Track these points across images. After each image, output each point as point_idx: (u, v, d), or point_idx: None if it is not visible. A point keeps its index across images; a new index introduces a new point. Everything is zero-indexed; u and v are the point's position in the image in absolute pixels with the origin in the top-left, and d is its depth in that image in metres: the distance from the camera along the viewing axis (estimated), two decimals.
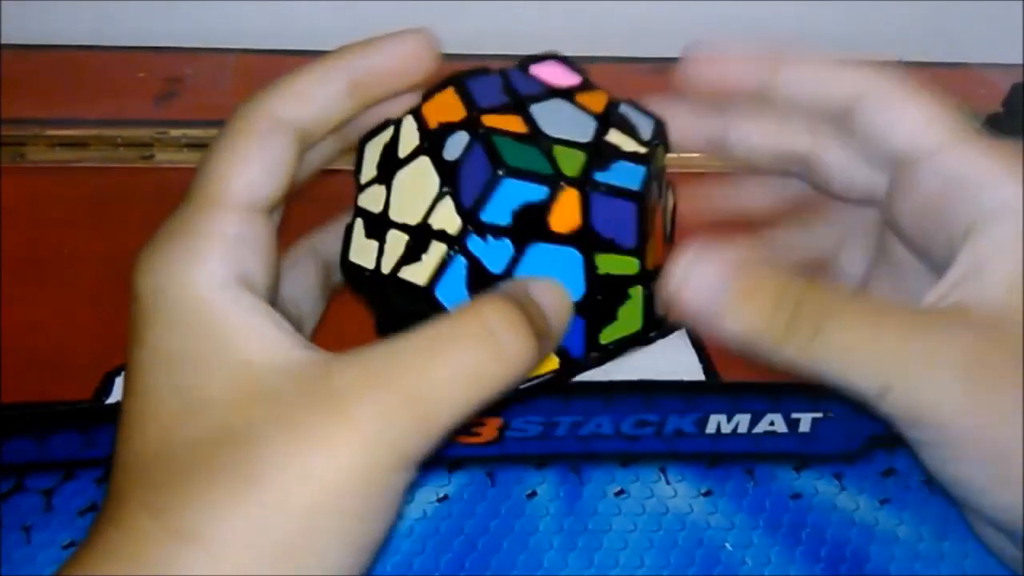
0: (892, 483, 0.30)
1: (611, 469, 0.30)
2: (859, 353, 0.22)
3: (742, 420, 0.32)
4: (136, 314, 0.22)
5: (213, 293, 0.21)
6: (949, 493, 0.24)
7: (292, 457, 0.20)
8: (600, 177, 0.24)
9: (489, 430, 0.31)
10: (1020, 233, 0.23)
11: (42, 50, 0.49)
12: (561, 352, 0.24)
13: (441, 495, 0.29)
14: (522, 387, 0.24)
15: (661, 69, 0.51)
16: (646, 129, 0.26)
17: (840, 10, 0.51)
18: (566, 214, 0.23)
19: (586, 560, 0.28)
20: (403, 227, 0.24)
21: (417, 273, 0.24)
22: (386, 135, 0.26)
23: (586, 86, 0.27)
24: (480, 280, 0.24)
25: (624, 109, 0.26)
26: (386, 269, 0.24)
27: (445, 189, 0.24)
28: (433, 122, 0.25)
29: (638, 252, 0.24)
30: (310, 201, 0.27)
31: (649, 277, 0.25)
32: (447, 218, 0.24)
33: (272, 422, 0.20)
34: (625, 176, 0.24)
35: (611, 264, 0.24)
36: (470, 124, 0.24)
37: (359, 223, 0.26)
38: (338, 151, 0.27)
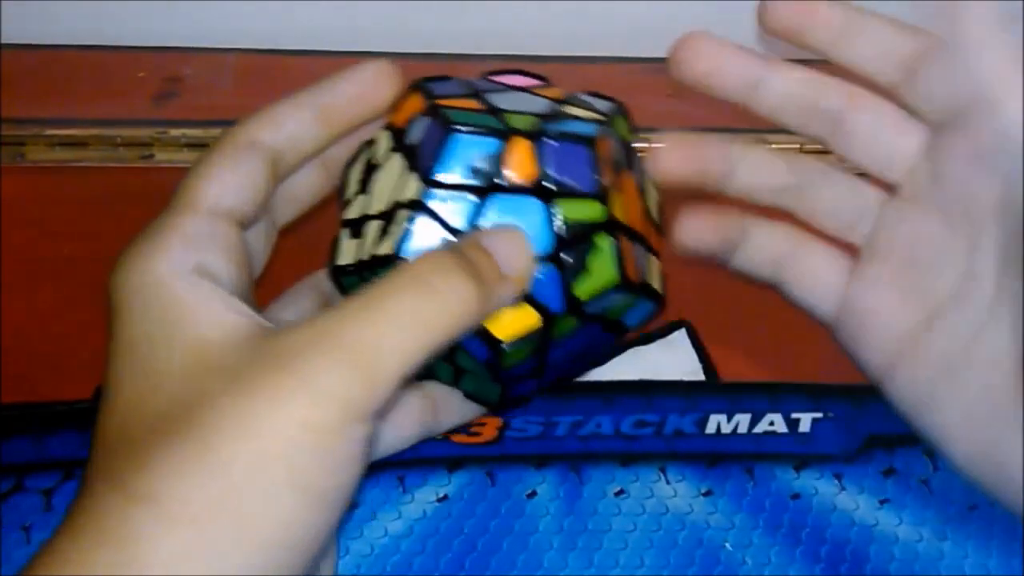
0: (892, 483, 0.30)
1: (611, 469, 0.30)
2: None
3: (742, 420, 0.32)
4: (110, 312, 0.24)
5: (172, 279, 0.23)
6: None
7: (240, 416, 0.21)
8: (552, 128, 0.25)
9: (489, 430, 0.31)
10: None
11: (42, 50, 0.49)
12: (541, 308, 0.24)
13: (441, 495, 0.29)
14: (509, 348, 0.24)
15: (661, 69, 0.51)
16: (604, 108, 0.27)
17: None
18: (521, 162, 0.24)
19: (586, 560, 0.28)
20: (377, 216, 0.25)
21: (385, 246, 0.24)
22: (365, 154, 0.27)
23: (546, 85, 0.28)
24: (444, 238, 0.24)
25: (585, 97, 0.27)
26: (365, 256, 0.25)
27: (410, 167, 0.25)
28: (401, 123, 0.26)
29: (599, 196, 0.25)
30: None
31: (619, 228, 0.25)
32: (410, 188, 0.24)
33: (221, 387, 0.21)
34: (578, 127, 0.25)
35: (574, 209, 0.24)
36: (428, 109, 0.25)
37: (343, 232, 0.26)
38: (324, 184, 0.28)
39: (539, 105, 0.26)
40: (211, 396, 0.21)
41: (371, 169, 0.26)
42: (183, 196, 0.25)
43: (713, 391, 0.33)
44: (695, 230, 0.28)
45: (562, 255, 0.24)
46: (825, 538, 0.29)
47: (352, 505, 0.28)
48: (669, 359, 0.33)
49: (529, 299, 0.24)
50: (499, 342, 0.24)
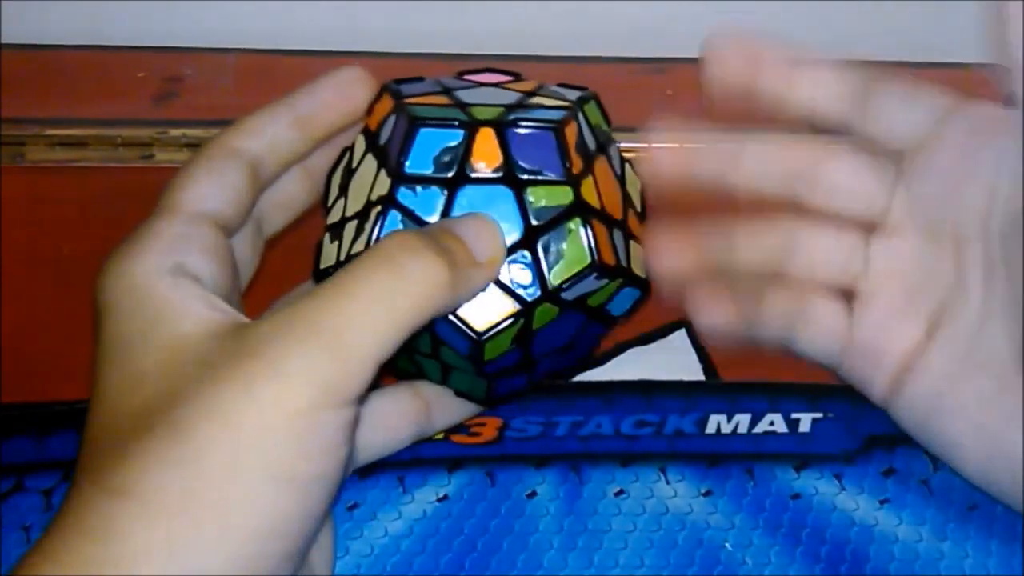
0: (892, 483, 0.30)
1: (611, 469, 0.30)
2: None
3: (742, 420, 0.32)
4: (95, 314, 0.24)
5: (151, 279, 0.23)
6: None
7: (212, 405, 0.21)
8: (517, 117, 0.25)
9: (489, 430, 0.31)
10: None
11: (41, 50, 0.49)
12: (517, 296, 0.24)
13: (441, 495, 0.29)
14: (486, 337, 0.24)
15: (661, 69, 0.51)
16: (574, 96, 0.27)
17: (840, 10, 0.51)
18: (486, 151, 0.24)
19: (586, 560, 0.28)
20: (353, 216, 0.26)
21: (359, 242, 0.25)
22: (345, 160, 0.28)
23: (518, 80, 0.28)
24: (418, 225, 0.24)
25: (556, 88, 0.28)
26: (343, 256, 0.25)
27: (379, 165, 0.25)
28: (374, 126, 0.27)
29: (568, 182, 0.25)
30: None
31: (590, 212, 0.25)
32: (382, 185, 0.25)
33: (197, 380, 0.21)
34: (543, 114, 0.25)
35: (543, 195, 0.25)
36: (396, 108, 0.26)
37: (325, 237, 0.27)
38: (309, 192, 0.29)
39: (507, 97, 0.26)
40: (185, 389, 0.21)
41: (349, 174, 0.27)
42: (164, 202, 0.26)
43: (713, 391, 0.33)
44: (714, 314, 0.29)
45: (534, 242, 0.24)
46: (825, 538, 0.29)
47: (352, 505, 0.28)
48: (669, 359, 0.33)
49: (504, 288, 0.24)
50: (477, 333, 0.24)
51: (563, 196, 0.25)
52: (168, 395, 0.22)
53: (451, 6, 0.49)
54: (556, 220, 0.25)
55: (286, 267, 0.29)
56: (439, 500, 0.29)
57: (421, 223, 0.24)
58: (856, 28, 0.50)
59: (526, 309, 0.25)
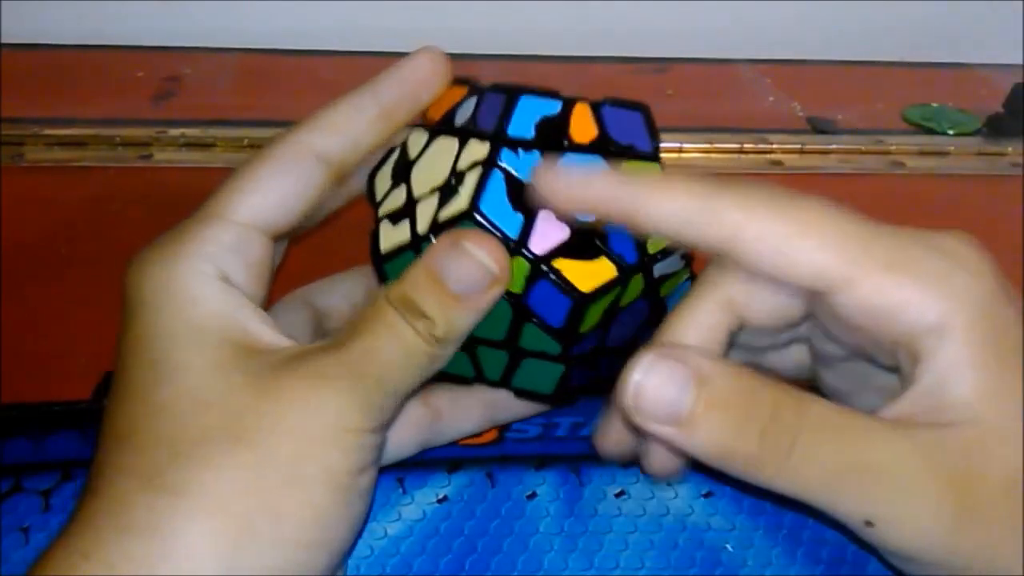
0: None
1: (611, 470, 0.30)
2: (838, 482, 0.21)
3: None
4: (125, 308, 0.24)
5: (194, 281, 0.23)
6: None
7: (278, 418, 0.22)
8: (606, 103, 0.26)
9: (489, 431, 0.31)
10: (966, 350, 0.22)
11: (40, 49, 0.49)
12: (617, 260, 0.25)
13: (441, 496, 0.29)
14: (589, 298, 0.24)
15: (661, 69, 0.51)
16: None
17: (840, 10, 0.51)
18: (583, 125, 0.25)
19: (586, 561, 0.28)
20: (431, 191, 0.25)
21: (457, 203, 0.24)
22: (392, 158, 0.27)
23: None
24: (519, 194, 0.24)
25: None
26: (423, 228, 0.25)
27: (465, 139, 0.25)
28: (437, 116, 0.27)
29: (657, 158, 0.26)
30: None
31: None
32: (475, 151, 0.25)
33: (254, 390, 0.22)
34: (626, 106, 0.26)
35: (636, 169, 0.26)
36: (475, 90, 0.26)
37: (384, 223, 0.26)
38: (349, 197, 0.28)
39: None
40: (244, 396, 0.22)
41: (407, 166, 0.26)
42: (214, 203, 0.24)
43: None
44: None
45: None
46: (826, 539, 0.29)
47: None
48: None
49: (606, 252, 0.25)
50: (581, 294, 0.24)
51: (652, 171, 0.26)
52: (221, 400, 0.22)
53: (451, 6, 0.49)
54: None
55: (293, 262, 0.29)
56: (439, 501, 0.29)
57: (521, 186, 0.24)
58: (856, 28, 0.50)
59: (624, 275, 0.25)
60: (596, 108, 0.26)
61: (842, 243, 0.22)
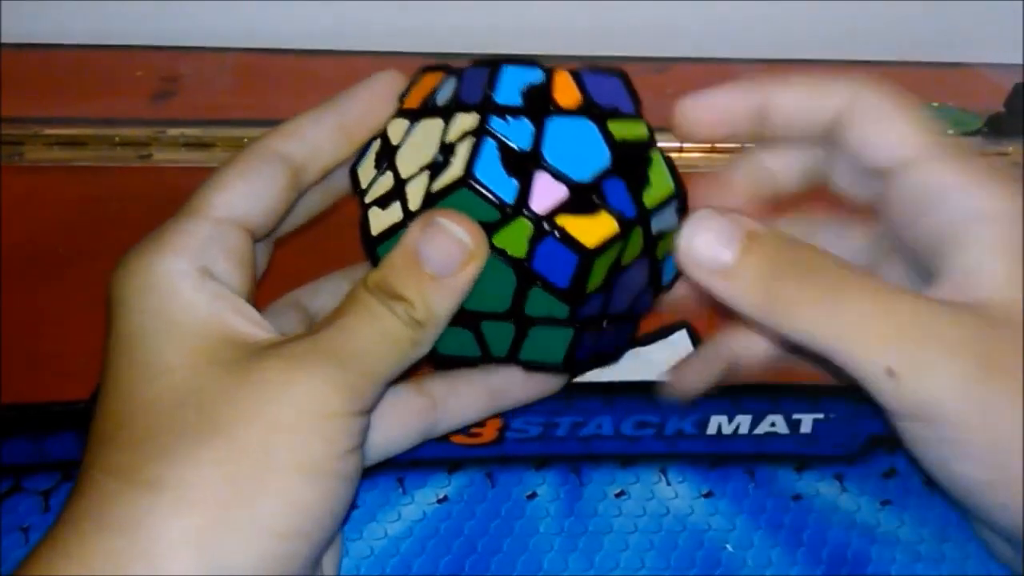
0: (893, 484, 0.30)
1: (611, 470, 0.30)
2: (870, 329, 0.23)
3: (743, 421, 0.32)
4: (109, 308, 0.24)
5: (176, 278, 0.23)
6: (947, 491, 0.25)
7: (247, 404, 0.22)
8: (584, 70, 0.26)
9: (489, 431, 0.31)
10: (1005, 239, 0.24)
11: (40, 49, 0.49)
12: (616, 214, 0.25)
13: (441, 496, 0.29)
14: (595, 251, 0.25)
15: (661, 69, 0.51)
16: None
17: (841, 10, 0.51)
18: (566, 91, 0.26)
19: (586, 561, 0.28)
20: (419, 170, 0.26)
21: (450, 173, 0.24)
22: (373, 147, 0.27)
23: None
24: (512, 160, 0.24)
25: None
26: (415, 204, 0.25)
27: (449, 117, 0.25)
28: (416, 103, 0.27)
29: (640, 116, 0.27)
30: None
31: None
32: (463, 122, 0.25)
33: (234, 383, 0.22)
34: (604, 71, 0.27)
35: (623, 129, 0.26)
36: (453, 71, 0.27)
37: (372, 209, 0.26)
38: (328, 200, 0.29)
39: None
40: (220, 388, 0.22)
41: (390, 152, 0.27)
42: (193, 202, 0.25)
43: (714, 392, 0.33)
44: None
45: (623, 168, 0.25)
46: (826, 539, 0.29)
47: (352, 506, 0.28)
48: (670, 359, 0.33)
49: (606, 207, 0.25)
50: (587, 248, 0.24)
51: (639, 129, 0.26)
52: (198, 394, 0.22)
53: (449, 6, 0.49)
54: (638, 149, 0.26)
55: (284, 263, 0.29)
56: (439, 501, 0.29)
57: (516, 153, 0.24)
58: (856, 28, 0.50)
59: (625, 229, 0.25)
60: (576, 75, 0.26)
61: (923, 131, 0.26)
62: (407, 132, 0.27)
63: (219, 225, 0.25)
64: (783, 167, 0.29)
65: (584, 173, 0.25)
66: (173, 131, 0.44)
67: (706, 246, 0.24)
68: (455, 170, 0.24)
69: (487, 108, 0.25)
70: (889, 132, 0.26)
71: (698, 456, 0.31)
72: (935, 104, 0.49)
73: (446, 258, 0.24)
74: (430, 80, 0.27)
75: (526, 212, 0.24)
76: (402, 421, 0.27)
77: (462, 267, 0.24)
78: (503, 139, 0.25)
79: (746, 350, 0.30)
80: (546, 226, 0.24)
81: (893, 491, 0.30)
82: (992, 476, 0.23)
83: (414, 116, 0.27)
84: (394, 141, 0.27)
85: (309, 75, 0.49)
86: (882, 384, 0.23)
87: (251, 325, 0.24)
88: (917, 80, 0.52)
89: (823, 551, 0.28)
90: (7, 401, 0.32)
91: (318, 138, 0.27)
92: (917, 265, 0.27)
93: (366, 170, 0.27)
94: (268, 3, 0.49)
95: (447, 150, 0.25)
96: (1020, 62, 0.49)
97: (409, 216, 0.25)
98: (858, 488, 0.30)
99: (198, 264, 0.24)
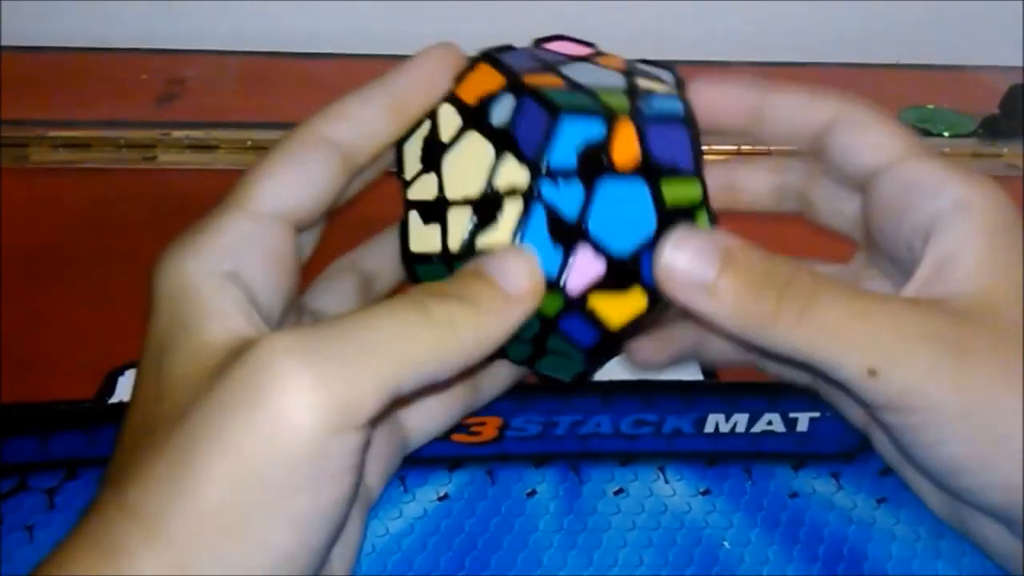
0: (889, 482, 0.30)
1: (610, 468, 0.30)
2: (847, 333, 0.23)
3: (740, 420, 0.32)
4: (149, 305, 0.23)
5: (199, 280, 0.22)
6: (936, 479, 0.25)
7: (223, 430, 0.20)
8: (647, 109, 0.25)
9: (489, 429, 0.31)
10: (978, 226, 0.25)
11: (45, 52, 0.49)
12: (649, 291, 0.25)
13: (441, 494, 0.30)
14: (619, 332, 0.25)
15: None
16: (668, 78, 0.28)
17: (839, 12, 0.51)
18: (626, 146, 0.24)
19: (585, 558, 0.28)
20: (464, 202, 0.25)
21: (497, 235, 0.24)
22: (422, 129, 0.26)
23: (599, 52, 0.28)
24: (559, 226, 0.24)
25: (641, 65, 0.28)
26: (455, 246, 0.24)
27: (502, 151, 0.24)
28: (472, 99, 0.25)
29: (699, 175, 0.26)
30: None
31: (710, 206, 0.26)
32: (513, 174, 0.24)
33: (212, 396, 0.20)
34: (668, 106, 0.26)
35: (676, 190, 0.25)
36: (513, 87, 0.25)
37: (413, 215, 0.26)
38: (376, 174, 0.27)
39: (615, 80, 0.26)
40: (194, 407, 0.20)
41: (435, 145, 0.26)
42: (236, 194, 0.24)
43: (711, 391, 0.33)
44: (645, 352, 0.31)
45: (668, 231, 0.25)
46: (823, 537, 0.29)
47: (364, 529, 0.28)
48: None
49: (639, 282, 0.25)
50: (611, 331, 0.24)
51: (693, 191, 0.26)
52: (180, 411, 0.20)
53: (450, 8, 0.49)
54: (687, 211, 0.26)
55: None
56: (440, 499, 0.29)
57: (563, 220, 0.24)
58: (851, 31, 0.50)
59: (654, 304, 0.25)
60: (641, 127, 0.24)
61: (904, 136, 0.27)
62: (457, 135, 0.25)
63: (260, 221, 0.23)
64: (755, 185, 0.31)
65: (626, 245, 0.24)
66: (177, 133, 0.44)
67: (686, 267, 0.24)
68: (502, 235, 0.24)
69: (540, 170, 0.23)
70: (869, 137, 0.27)
71: (696, 454, 0.31)
72: (930, 106, 0.50)
73: (524, 281, 0.23)
74: (484, 77, 0.25)
75: (561, 288, 0.24)
76: (445, 405, 0.28)
77: (533, 294, 0.23)
78: (552, 208, 0.24)
79: (710, 342, 0.30)
80: (576, 305, 0.24)
81: (889, 489, 0.30)
82: (975, 454, 0.24)
83: (466, 116, 0.25)
84: (443, 135, 0.26)
85: (312, 78, 0.49)
86: (865, 383, 0.23)
87: (242, 326, 0.22)
88: (913, 82, 0.52)
89: (819, 548, 0.28)
90: (12, 400, 0.32)
91: (368, 120, 0.25)
92: (901, 272, 0.27)
93: (411, 155, 0.26)
94: (272, 7, 0.50)
95: (494, 198, 0.24)
96: (1015, 64, 0.49)
97: (448, 254, 0.24)
98: (854, 486, 0.30)
99: (228, 267, 0.22)
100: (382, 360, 0.21)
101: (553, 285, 0.24)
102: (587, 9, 0.50)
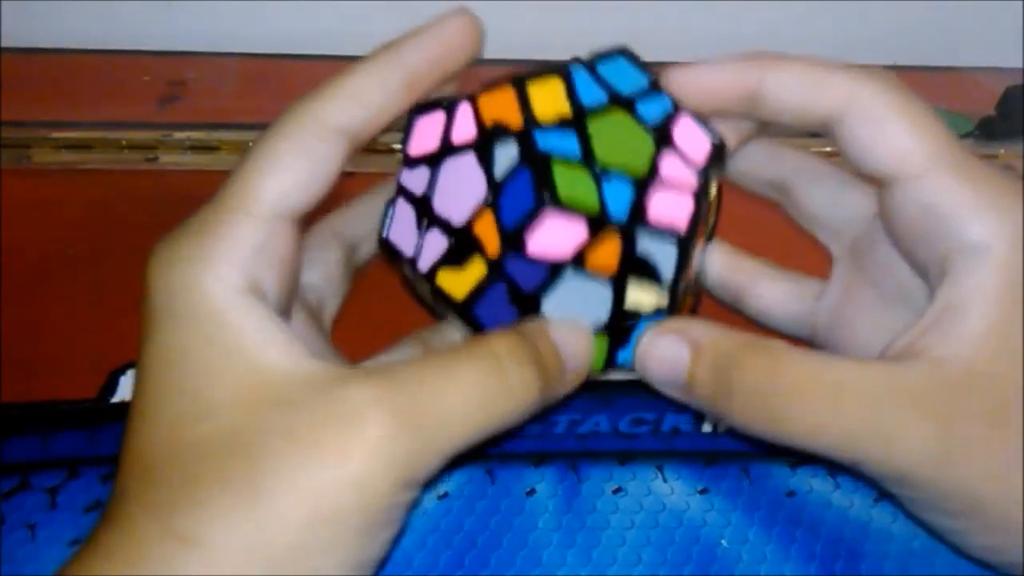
0: None
1: (609, 467, 0.31)
2: (824, 429, 0.22)
3: None
4: (147, 310, 0.22)
5: (226, 300, 0.21)
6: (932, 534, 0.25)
7: (297, 468, 0.20)
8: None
9: None
10: (995, 278, 0.22)
11: (46, 53, 0.49)
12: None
13: (441, 492, 0.30)
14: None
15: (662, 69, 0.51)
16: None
17: (836, 12, 0.51)
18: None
19: (584, 557, 0.28)
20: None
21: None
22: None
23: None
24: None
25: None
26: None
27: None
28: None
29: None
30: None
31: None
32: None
33: (281, 431, 0.20)
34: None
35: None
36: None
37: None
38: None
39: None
40: (269, 440, 0.20)
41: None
42: (238, 189, 0.22)
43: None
44: None
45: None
46: (820, 535, 0.29)
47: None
48: None
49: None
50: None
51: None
52: (246, 438, 0.20)
53: (451, 8, 0.49)
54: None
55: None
56: (439, 498, 0.30)
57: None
58: (848, 32, 0.51)
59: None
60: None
61: (928, 135, 0.23)
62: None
63: (268, 225, 0.22)
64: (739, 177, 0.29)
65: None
66: (179, 134, 0.44)
67: (659, 369, 0.24)
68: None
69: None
70: (888, 137, 0.23)
71: (694, 453, 0.31)
72: None
73: (579, 357, 0.24)
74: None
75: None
76: (328, 269, 0.27)
77: (584, 374, 0.25)
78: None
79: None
80: None
81: None
82: (973, 526, 0.23)
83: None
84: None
85: (314, 79, 0.49)
86: (853, 467, 0.23)
87: (299, 355, 0.21)
88: (909, 83, 0.52)
89: (817, 546, 0.29)
90: (14, 400, 0.32)
91: (382, 100, 0.23)
92: (899, 294, 0.26)
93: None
94: (274, 8, 0.50)
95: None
96: (1012, 65, 0.49)
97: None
98: (852, 485, 0.30)
99: (247, 279, 0.21)
100: (458, 430, 0.21)
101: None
102: (588, 9, 0.50)
